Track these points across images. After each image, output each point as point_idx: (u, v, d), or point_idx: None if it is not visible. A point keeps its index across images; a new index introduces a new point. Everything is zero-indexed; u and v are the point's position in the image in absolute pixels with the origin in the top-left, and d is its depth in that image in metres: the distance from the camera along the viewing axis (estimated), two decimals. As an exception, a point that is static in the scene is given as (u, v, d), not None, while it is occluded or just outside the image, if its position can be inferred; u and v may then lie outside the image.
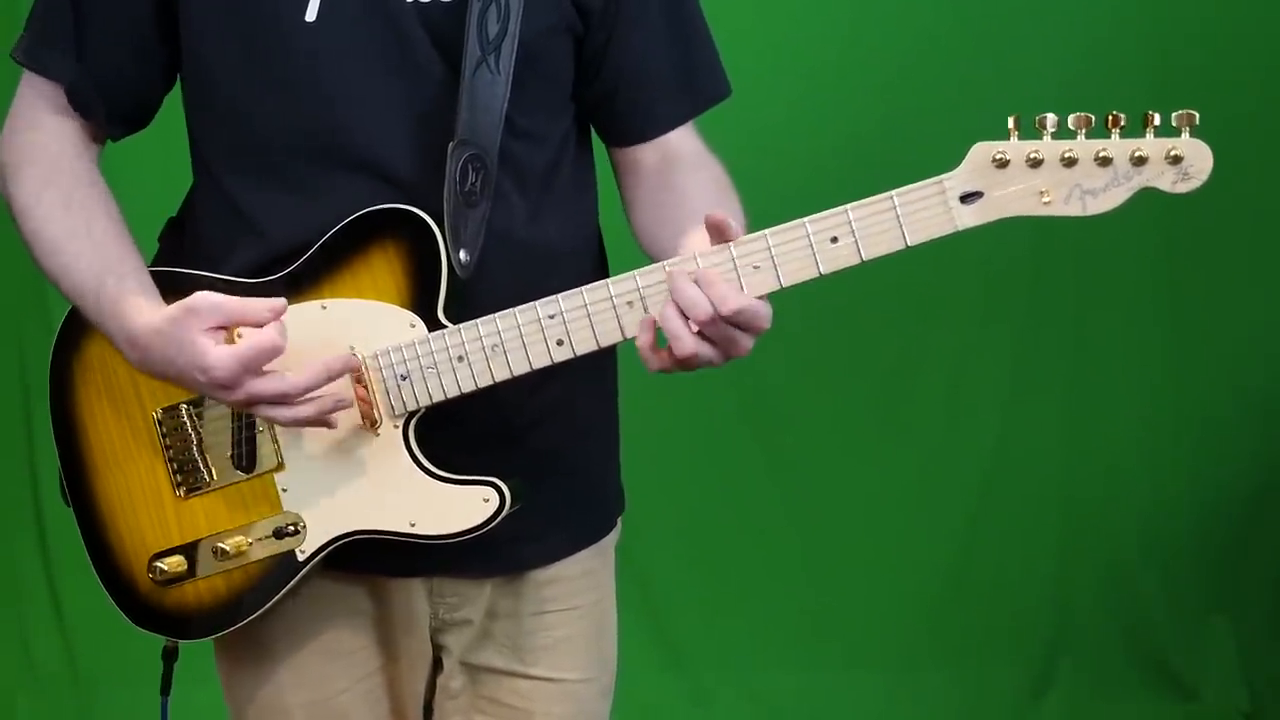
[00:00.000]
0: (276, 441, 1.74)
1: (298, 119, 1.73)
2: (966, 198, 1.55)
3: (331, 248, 1.71)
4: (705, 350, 1.60)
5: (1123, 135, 1.52)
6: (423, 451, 1.71)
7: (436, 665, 1.90)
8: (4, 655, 3.76)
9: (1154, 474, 3.79)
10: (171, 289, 1.75)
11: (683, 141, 1.88)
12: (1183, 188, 1.52)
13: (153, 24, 1.77)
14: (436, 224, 1.68)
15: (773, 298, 1.60)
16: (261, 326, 1.65)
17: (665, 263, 1.62)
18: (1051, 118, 1.53)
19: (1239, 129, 3.29)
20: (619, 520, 2.00)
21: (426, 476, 1.70)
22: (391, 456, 1.71)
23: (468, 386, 1.68)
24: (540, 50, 1.75)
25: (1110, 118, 1.51)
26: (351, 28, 1.71)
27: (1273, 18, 3.61)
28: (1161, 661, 3.81)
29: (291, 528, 1.73)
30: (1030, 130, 1.53)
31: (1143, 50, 3.55)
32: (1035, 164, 1.53)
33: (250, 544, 1.74)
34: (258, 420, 1.73)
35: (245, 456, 1.76)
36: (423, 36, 1.71)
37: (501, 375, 1.67)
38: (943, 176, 1.55)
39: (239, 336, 1.65)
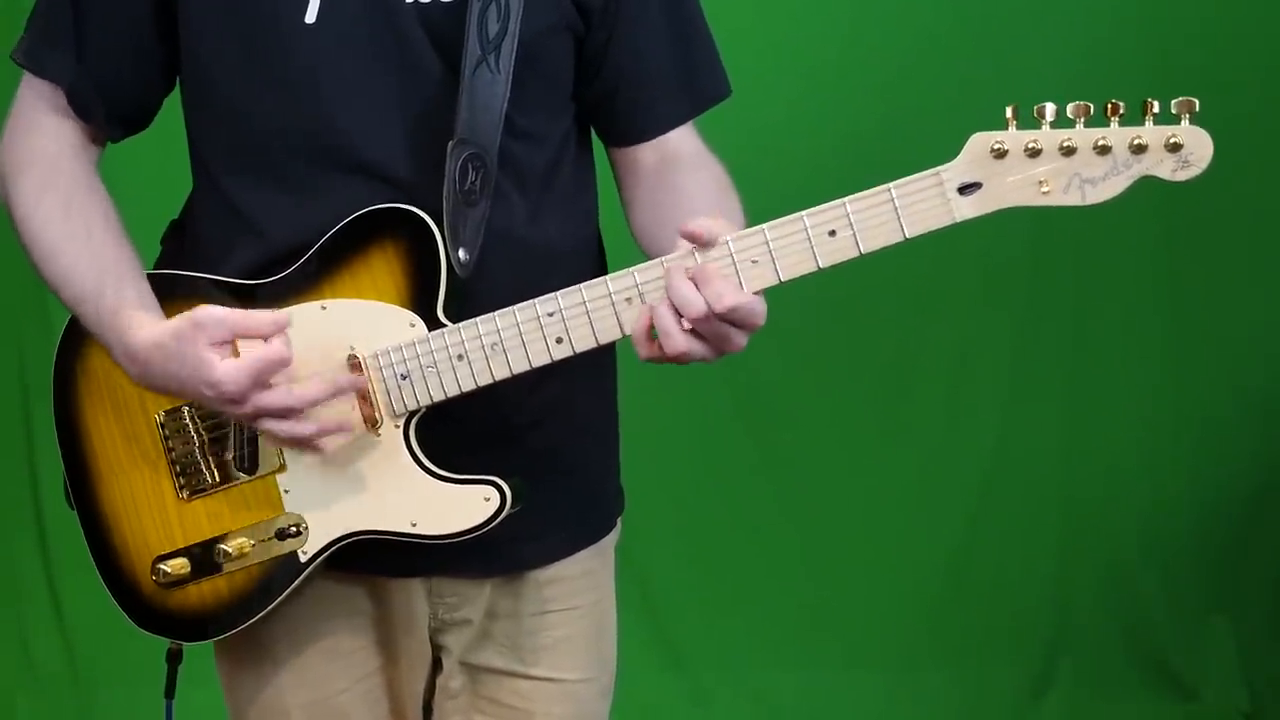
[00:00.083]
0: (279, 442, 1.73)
1: (297, 119, 1.73)
2: (965, 189, 1.55)
3: (331, 248, 1.72)
4: (696, 348, 1.60)
5: (1122, 123, 1.52)
6: (423, 451, 1.71)
7: (436, 665, 1.90)
8: (4, 655, 3.76)
9: (1154, 473, 3.79)
10: (172, 291, 1.75)
11: (682, 141, 1.88)
12: (1182, 175, 1.51)
13: (152, 24, 1.77)
14: (436, 223, 1.68)
15: (769, 293, 1.60)
16: (265, 339, 1.64)
17: (664, 259, 1.62)
18: (1050, 107, 1.52)
19: (1239, 127, 3.28)
20: (619, 520, 2.00)
21: (427, 476, 1.70)
22: (392, 457, 1.71)
23: (468, 385, 1.68)
24: (540, 50, 1.75)
25: (1109, 106, 1.51)
26: (351, 28, 1.71)
27: (1273, 17, 3.61)
28: (1161, 661, 3.81)
29: (294, 529, 1.73)
30: (1028, 120, 1.53)
31: (1142, 50, 3.55)
32: (1034, 154, 1.53)
33: (253, 545, 1.74)
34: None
35: (247, 458, 1.76)
36: (422, 36, 1.71)
37: (501, 374, 1.67)
38: (940, 168, 1.55)
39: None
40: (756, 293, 1.59)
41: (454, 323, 1.68)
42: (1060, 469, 3.78)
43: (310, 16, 1.70)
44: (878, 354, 3.73)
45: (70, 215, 1.76)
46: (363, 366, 1.70)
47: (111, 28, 1.78)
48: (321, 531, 1.74)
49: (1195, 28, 3.59)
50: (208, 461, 1.77)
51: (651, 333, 1.61)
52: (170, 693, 1.92)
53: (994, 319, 3.72)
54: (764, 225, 1.59)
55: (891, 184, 1.56)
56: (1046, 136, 1.53)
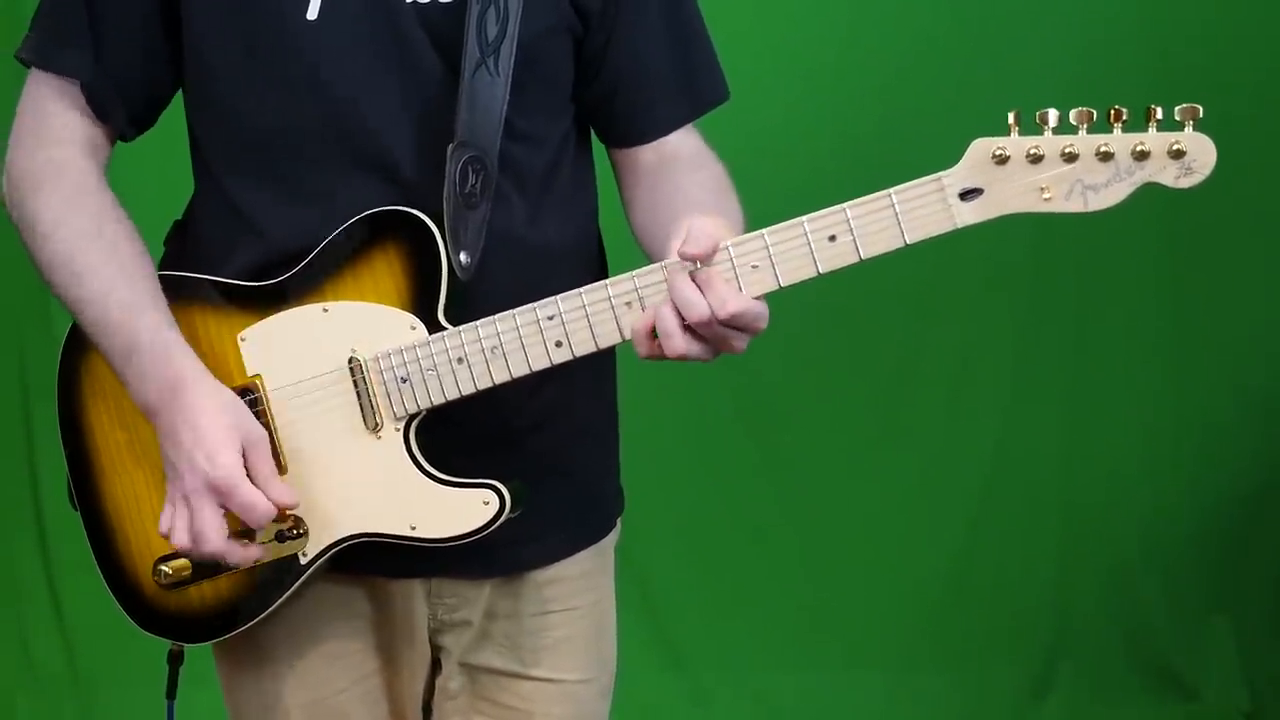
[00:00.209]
0: (280, 445, 1.73)
1: (298, 118, 1.73)
2: (966, 195, 1.55)
3: (332, 250, 1.71)
4: (695, 349, 1.60)
5: (1125, 130, 1.51)
6: (423, 454, 1.71)
7: (435, 666, 1.89)
8: (4, 655, 3.76)
9: (1154, 476, 3.79)
10: (175, 293, 1.75)
11: (682, 142, 1.88)
12: (1186, 183, 1.51)
13: (160, 23, 1.76)
14: (437, 226, 1.68)
15: (770, 297, 1.60)
16: (256, 504, 1.65)
17: (663, 263, 1.62)
18: (1053, 113, 1.52)
19: (1240, 130, 3.28)
20: (619, 521, 2.00)
21: (427, 479, 1.70)
22: (393, 459, 1.71)
23: (468, 389, 1.68)
24: (539, 52, 1.75)
25: (1112, 112, 1.50)
26: (352, 26, 1.70)
27: (1273, 18, 3.61)
28: (1162, 666, 3.81)
29: (294, 531, 1.73)
30: (1031, 126, 1.53)
31: (1142, 51, 3.56)
32: (1036, 160, 1.53)
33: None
34: (261, 422, 1.72)
35: (248, 461, 1.76)
36: (422, 37, 1.71)
37: (501, 377, 1.67)
38: (942, 173, 1.55)
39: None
40: (757, 298, 1.58)
41: (455, 325, 1.68)
42: (1061, 472, 3.78)
43: (312, 13, 1.70)
44: (879, 357, 3.73)
45: (101, 241, 1.72)
46: (363, 369, 1.70)
47: (126, 26, 1.76)
48: (322, 534, 1.73)
49: (1195, 29, 3.59)
50: (209, 463, 1.77)
51: (652, 332, 1.61)
52: (172, 693, 1.92)
53: (995, 322, 3.73)
54: (764, 230, 1.59)
55: (892, 189, 1.56)
56: (1048, 142, 1.52)
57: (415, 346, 1.68)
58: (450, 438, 1.72)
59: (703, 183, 1.83)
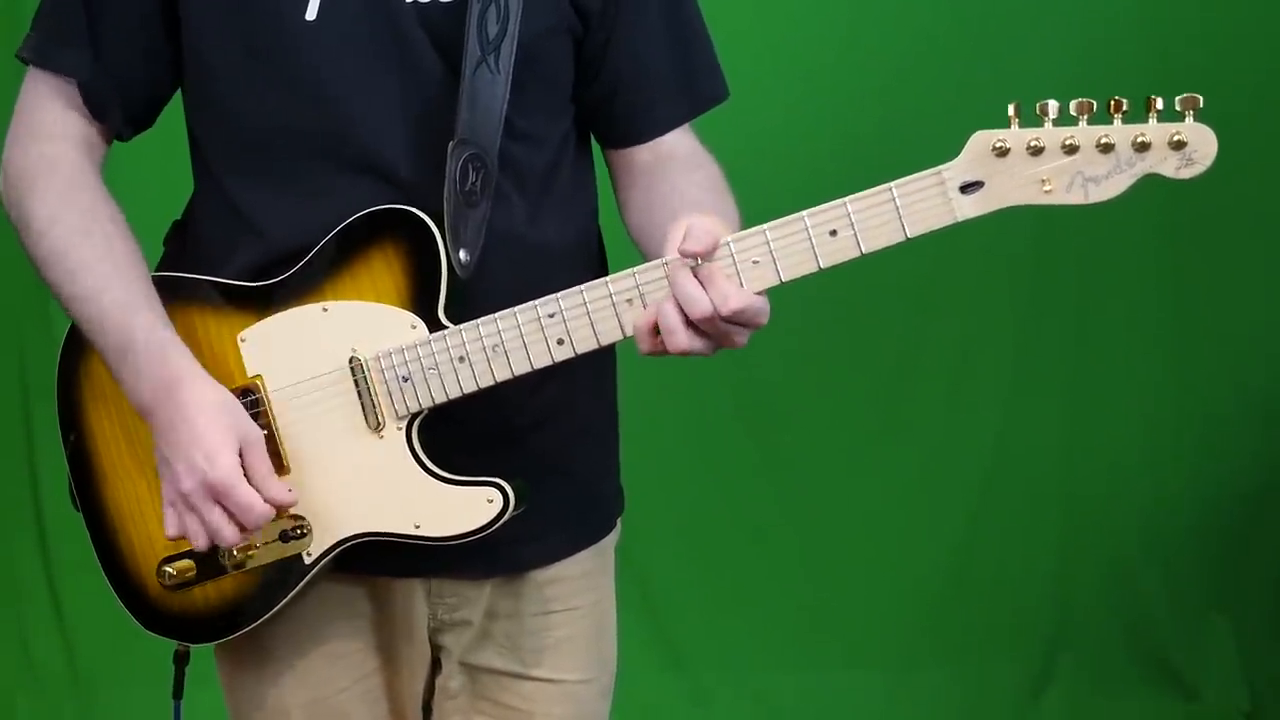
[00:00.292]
0: (282, 445, 1.73)
1: (298, 118, 1.73)
2: (966, 188, 1.55)
3: (332, 249, 1.71)
4: (698, 345, 1.60)
5: (1125, 121, 1.51)
6: (425, 453, 1.71)
7: (435, 666, 1.89)
8: (4, 655, 3.76)
9: (1155, 471, 3.79)
10: (175, 293, 1.75)
11: (678, 142, 1.88)
12: (1187, 173, 1.51)
13: (160, 23, 1.77)
14: (436, 224, 1.68)
15: (770, 291, 1.60)
16: (253, 505, 1.65)
17: (664, 259, 1.62)
18: (1053, 104, 1.52)
19: (1240, 127, 3.28)
20: (619, 520, 2.00)
21: (430, 478, 1.70)
22: (395, 458, 1.71)
23: (469, 387, 1.68)
24: (539, 51, 1.75)
25: (1112, 103, 1.50)
26: (352, 26, 1.70)
27: (1273, 17, 3.61)
28: (1162, 659, 3.81)
29: (298, 531, 1.73)
30: (1031, 118, 1.53)
31: (1142, 50, 3.55)
32: (1036, 152, 1.53)
33: (258, 548, 1.74)
34: (262, 423, 1.73)
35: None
36: (421, 36, 1.71)
37: (502, 375, 1.67)
38: (942, 167, 1.55)
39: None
40: (759, 293, 1.59)
41: (455, 324, 1.68)
42: (1061, 467, 3.78)
43: (311, 14, 1.70)
44: (879, 352, 3.73)
45: (92, 238, 1.73)
46: (364, 368, 1.70)
47: (125, 26, 1.76)
48: (326, 534, 1.73)
49: (1195, 28, 3.59)
50: (211, 464, 1.77)
51: (654, 329, 1.61)
52: (178, 694, 1.92)
53: (996, 316, 3.73)
54: (765, 225, 1.59)
55: (893, 183, 1.56)
56: (1049, 134, 1.52)
57: (416, 345, 1.68)
58: (451, 436, 1.72)
59: (699, 182, 1.83)
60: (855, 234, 1.56)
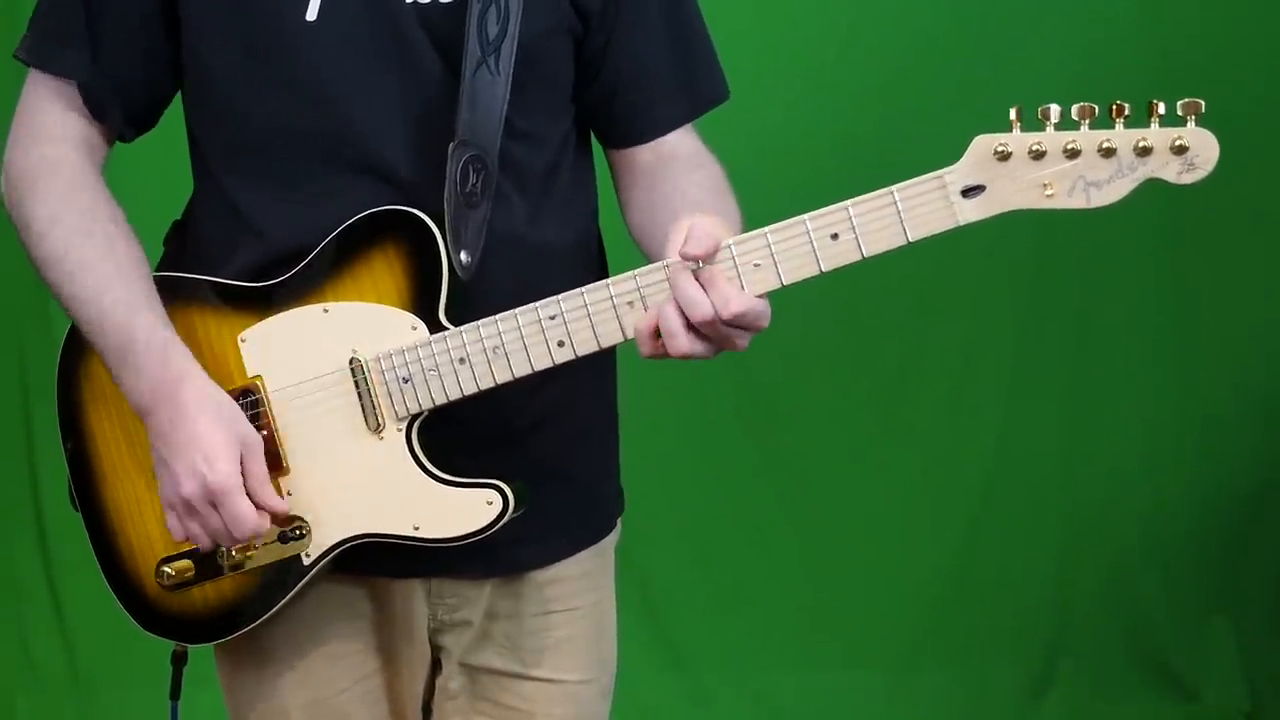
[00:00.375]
0: (281, 446, 1.73)
1: (298, 118, 1.73)
2: (968, 192, 1.54)
3: (332, 250, 1.71)
4: (699, 348, 1.60)
5: (1127, 125, 1.51)
6: (425, 454, 1.71)
7: (435, 666, 1.89)
8: (4, 655, 3.76)
9: (1155, 474, 3.79)
10: (175, 293, 1.75)
11: (680, 142, 1.87)
12: (1188, 178, 1.50)
13: (160, 23, 1.76)
14: (437, 225, 1.68)
15: (770, 294, 1.60)
16: (246, 518, 1.65)
17: (665, 262, 1.62)
18: (1055, 108, 1.51)
19: (1240, 128, 3.28)
20: (619, 521, 2.00)
21: (430, 479, 1.70)
22: (395, 460, 1.71)
23: (469, 388, 1.68)
24: (540, 52, 1.75)
25: (1114, 107, 1.50)
26: (352, 26, 1.70)
27: (1273, 17, 3.61)
28: (1162, 662, 3.81)
29: (297, 531, 1.73)
30: (1033, 121, 1.52)
31: (1142, 50, 3.55)
32: (1038, 156, 1.52)
33: (256, 548, 1.74)
34: (262, 424, 1.72)
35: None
36: (421, 37, 1.71)
37: (503, 377, 1.67)
38: (943, 170, 1.55)
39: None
40: (760, 296, 1.58)
41: (455, 325, 1.68)
42: (1062, 469, 3.78)
43: (311, 14, 1.70)
44: (879, 354, 3.73)
45: (94, 239, 1.72)
46: (364, 369, 1.70)
47: (124, 26, 1.76)
48: (325, 534, 1.73)
49: (1195, 28, 3.59)
50: (210, 464, 1.77)
51: (655, 332, 1.61)
52: (175, 694, 1.92)
53: (997, 320, 3.73)
54: (766, 229, 1.59)
55: (894, 187, 1.55)
56: (1051, 139, 1.52)
57: (417, 346, 1.68)
58: (452, 437, 1.72)
59: (701, 183, 1.83)
60: (857, 237, 1.56)
